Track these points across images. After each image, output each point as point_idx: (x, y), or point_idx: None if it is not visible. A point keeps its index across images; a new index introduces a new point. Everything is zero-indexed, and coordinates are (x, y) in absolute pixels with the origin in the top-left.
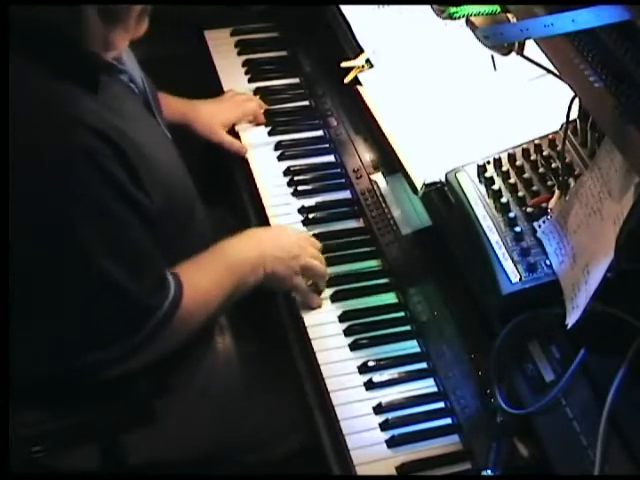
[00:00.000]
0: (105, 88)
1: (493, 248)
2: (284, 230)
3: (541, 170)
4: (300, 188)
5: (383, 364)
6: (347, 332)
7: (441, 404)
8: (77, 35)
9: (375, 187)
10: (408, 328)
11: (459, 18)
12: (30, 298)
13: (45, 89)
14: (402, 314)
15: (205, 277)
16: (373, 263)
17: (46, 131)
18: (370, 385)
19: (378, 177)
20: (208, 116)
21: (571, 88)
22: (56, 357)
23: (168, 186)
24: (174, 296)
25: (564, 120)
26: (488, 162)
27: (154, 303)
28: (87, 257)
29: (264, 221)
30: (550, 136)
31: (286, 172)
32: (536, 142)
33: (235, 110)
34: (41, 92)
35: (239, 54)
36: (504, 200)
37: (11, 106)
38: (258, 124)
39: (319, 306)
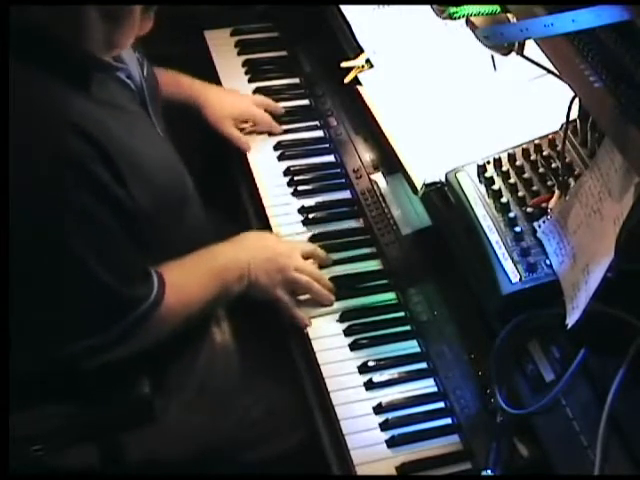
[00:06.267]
0: (100, 84)
1: (493, 248)
2: (275, 240)
3: (541, 170)
4: (300, 188)
5: (383, 364)
6: (347, 332)
7: (441, 404)
8: (75, 35)
9: (375, 187)
10: (408, 328)
11: (459, 18)
12: (15, 287)
13: (36, 87)
14: (402, 314)
15: (190, 278)
16: (373, 263)
17: (34, 130)
18: (370, 385)
19: (378, 177)
20: (220, 106)
21: (571, 88)
22: (38, 345)
23: (155, 186)
24: (156, 293)
25: (564, 120)
26: (488, 162)
27: (135, 297)
28: (69, 253)
29: (264, 221)
30: (550, 136)
31: (286, 172)
32: (536, 142)
33: (248, 108)
34: (32, 90)
35: (239, 54)
36: (504, 200)
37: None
38: (270, 133)
39: (305, 325)
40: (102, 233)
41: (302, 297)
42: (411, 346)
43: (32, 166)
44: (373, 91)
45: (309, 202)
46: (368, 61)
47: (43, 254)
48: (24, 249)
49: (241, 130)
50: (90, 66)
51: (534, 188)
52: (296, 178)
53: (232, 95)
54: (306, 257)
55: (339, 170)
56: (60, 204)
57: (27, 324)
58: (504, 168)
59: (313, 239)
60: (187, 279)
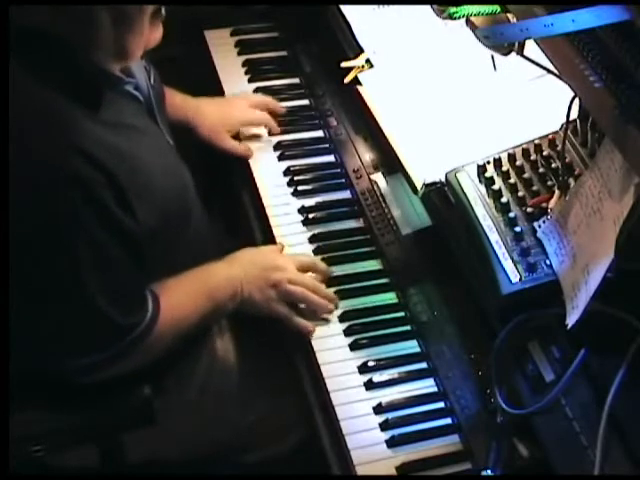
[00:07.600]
0: (108, 102)
1: (493, 248)
2: (271, 255)
3: (541, 170)
4: (300, 188)
5: (383, 364)
6: (347, 332)
7: (441, 404)
8: (87, 43)
9: (375, 187)
10: (408, 328)
11: (459, 18)
12: (17, 300)
13: (46, 106)
14: (402, 314)
15: (184, 298)
16: (373, 263)
17: (40, 152)
18: (370, 385)
19: (378, 177)
20: (214, 121)
21: (571, 88)
22: (35, 358)
23: (163, 202)
24: (150, 318)
25: (564, 120)
26: (488, 162)
27: (130, 323)
28: (69, 278)
29: (264, 221)
30: (550, 136)
31: (286, 172)
32: (536, 142)
33: (243, 115)
34: (41, 108)
35: (239, 54)
36: (504, 200)
37: (11, 119)
38: (270, 133)
39: (308, 332)
40: (105, 261)
41: (301, 305)
42: (411, 346)
43: (37, 190)
44: (373, 91)
45: (309, 202)
46: (368, 61)
47: (45, 276)
48: (26, 268)
49: (239, 134)
50: (101, 83)
51: (534, 188)
52: (296, 178)
53: (226, 105)
54: (305, 270)
55: (339, 170)
56: (64, 231)
57: (26, 335)
58: (504, 168)
59: (313, 239)
60: (181, 299)
